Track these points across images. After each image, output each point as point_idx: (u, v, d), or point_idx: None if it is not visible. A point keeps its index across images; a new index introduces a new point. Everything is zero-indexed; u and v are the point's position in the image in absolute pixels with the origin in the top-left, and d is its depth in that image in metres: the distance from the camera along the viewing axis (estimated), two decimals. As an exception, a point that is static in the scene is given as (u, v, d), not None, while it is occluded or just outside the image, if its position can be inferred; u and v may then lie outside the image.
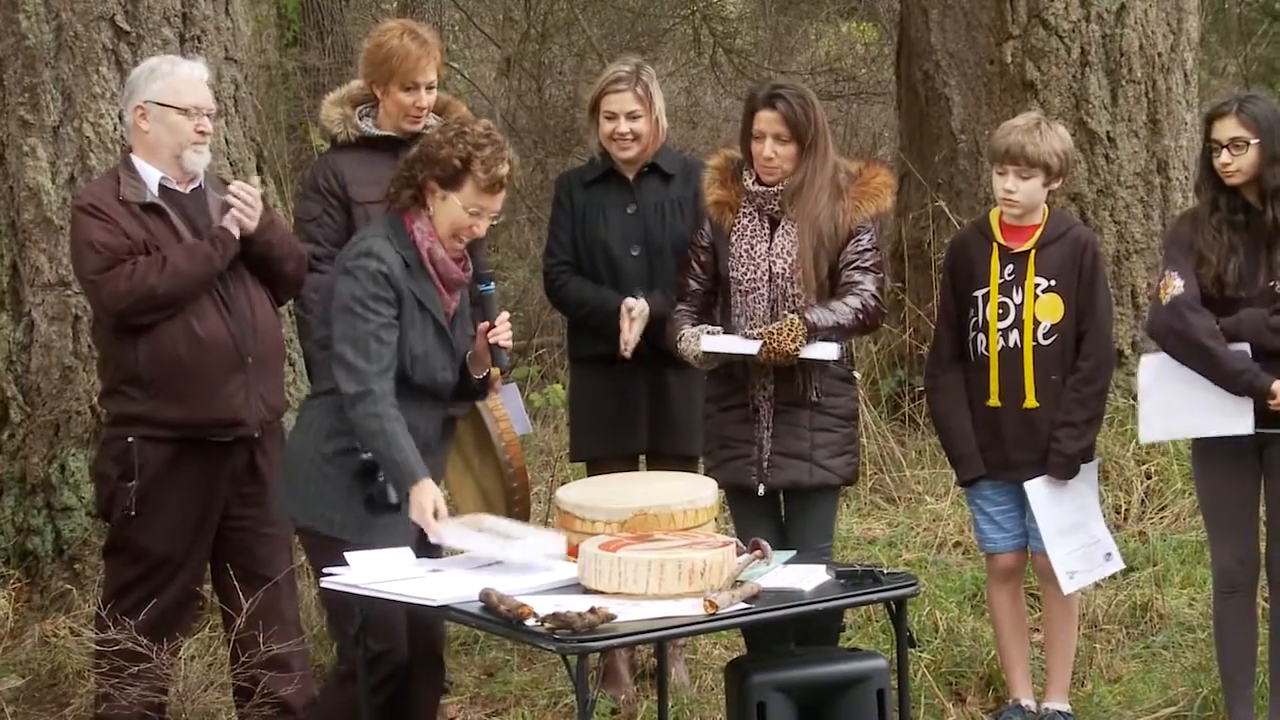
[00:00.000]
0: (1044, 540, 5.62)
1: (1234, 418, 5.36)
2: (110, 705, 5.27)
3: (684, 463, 5.99)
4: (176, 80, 5.34)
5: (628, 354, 5.85)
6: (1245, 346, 5.33)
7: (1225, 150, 5.37)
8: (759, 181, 5.54)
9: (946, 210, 8.51)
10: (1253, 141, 5.35)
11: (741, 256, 5.53)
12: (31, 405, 6.60)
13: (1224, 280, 5.36)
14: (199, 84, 5.38)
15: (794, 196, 5.48)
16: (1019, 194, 5.61)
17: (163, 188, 5.35)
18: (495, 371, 6.08)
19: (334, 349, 4.82)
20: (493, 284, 5.15)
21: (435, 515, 4.69)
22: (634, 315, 5.85)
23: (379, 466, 4.78)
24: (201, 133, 5.33)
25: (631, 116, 5.98)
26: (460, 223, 4.89)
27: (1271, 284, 5.36)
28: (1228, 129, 5.38)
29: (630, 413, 6.00)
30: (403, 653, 4.87)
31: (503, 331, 5.07)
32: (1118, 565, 5.80)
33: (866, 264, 5.49)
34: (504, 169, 4.86)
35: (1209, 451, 5.54)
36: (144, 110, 5.34)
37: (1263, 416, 5.35)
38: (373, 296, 4.79)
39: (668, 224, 6.00)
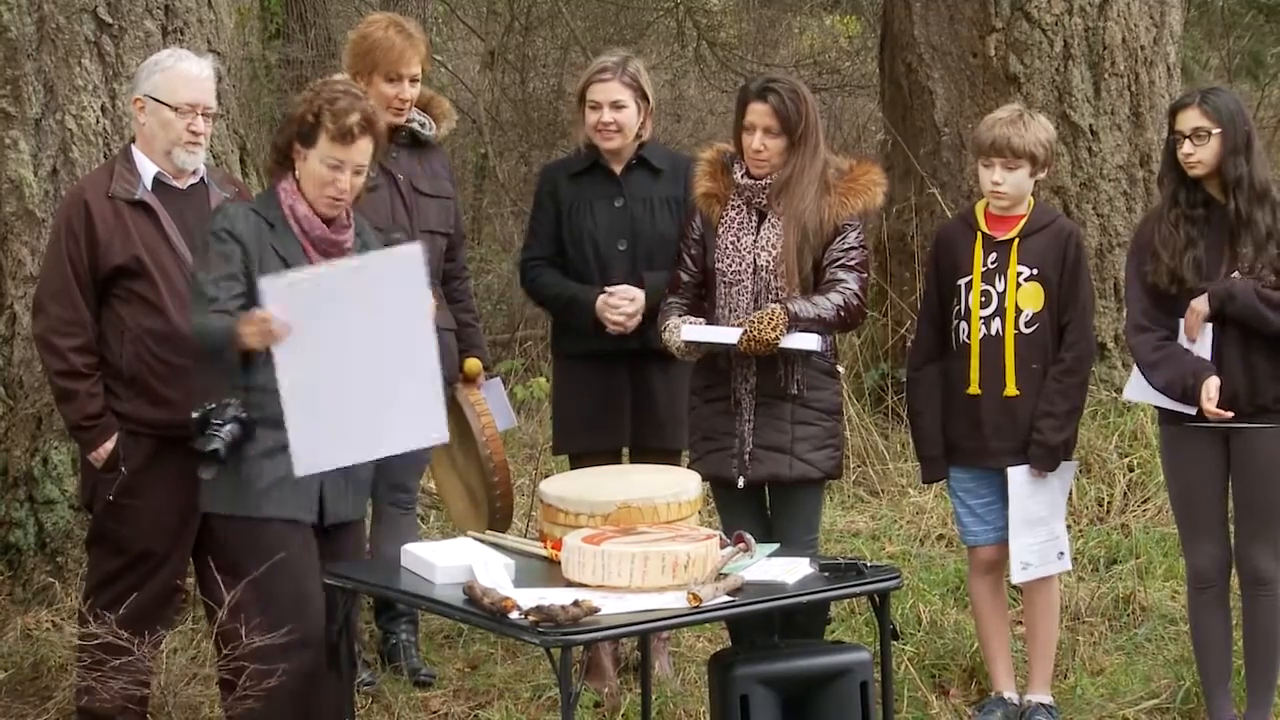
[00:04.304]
0: (1009, 527, 5.65)
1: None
2: (92, 698, 5.25)
3: (667, 457, 5.98)
4: (174, 76, 5.29)
5: (629, 328, 5.85)
6: (1205, 346, 5.36)
7: (1187, 141, 5.39)
8: (748, 174, 5.54)
9: (940, 197, 8.51)
10: (1214, 132, 5.36)
11: (727, 248, 5.53)
12: (14, 398, 6.58)
13: (1180, 275, 5.39)
14: (197, 81, 5.32)
15: (781, 190, 5.48)
16: (1006, 185, 5.63)
17: (158, 182, 5.33)
18: (478, 366, 6.10)
19: (193, 287, 4.88)
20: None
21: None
22: (620, 298, 5.86)
23: (204, 423, 4.77)
24: (194, 132, 5.30)
25: (616, 106, 5.96)
26: (322, 177, 4.91)
27: (1234, 275, 5.38)
28: (1190, 120, 5.40)
29: (615, 408, 5.98)
30: (318, 638, 4.83)
31: None
32: (1066, 565, 5.82)
33: (851, 262, 5.49)
34: (353, 118, 4.88)
35: (1179, 449, 5.56)
36: (141, 103, 5.32)
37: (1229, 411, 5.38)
38: (216, 237, 4.86)
39: (656, 219, 5.98)
